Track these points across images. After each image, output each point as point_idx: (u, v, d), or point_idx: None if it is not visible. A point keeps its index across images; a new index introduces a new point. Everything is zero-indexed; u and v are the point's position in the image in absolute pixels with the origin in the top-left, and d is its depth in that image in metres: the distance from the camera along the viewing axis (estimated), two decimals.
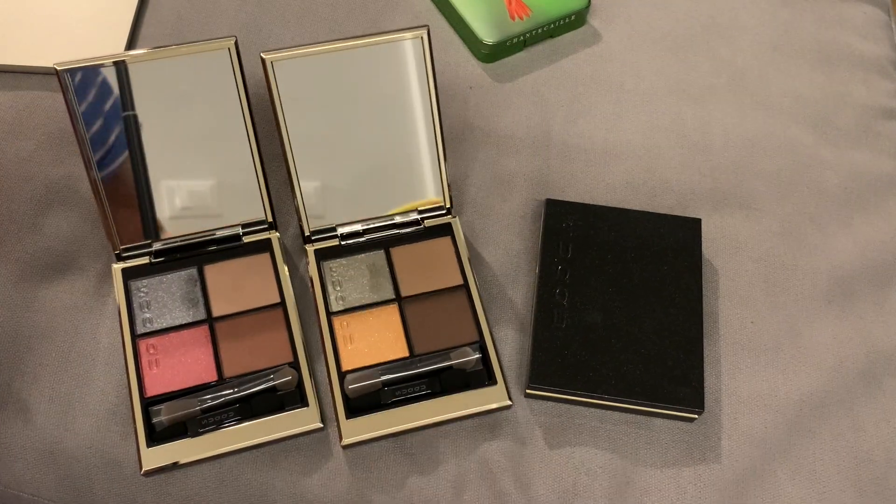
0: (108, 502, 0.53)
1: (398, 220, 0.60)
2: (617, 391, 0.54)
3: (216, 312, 0.57)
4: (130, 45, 0.69)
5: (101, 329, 0.57)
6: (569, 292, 0.58)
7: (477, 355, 0.56)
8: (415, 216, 0.61)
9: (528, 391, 0.56)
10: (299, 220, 0.59)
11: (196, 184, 0.57)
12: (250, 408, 0.53)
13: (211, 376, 0.55)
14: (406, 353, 0.56)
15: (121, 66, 0.53)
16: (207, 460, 0.53)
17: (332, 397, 0.54)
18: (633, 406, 0.55)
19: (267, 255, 0.59)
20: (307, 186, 0.58)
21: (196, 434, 0.52)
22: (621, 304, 0.57)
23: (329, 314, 0.57)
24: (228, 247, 0.59)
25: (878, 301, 0.62)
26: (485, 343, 0.57)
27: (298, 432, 0.54)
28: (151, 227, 0.57)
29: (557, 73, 0.71)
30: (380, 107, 0.58)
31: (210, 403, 0.53)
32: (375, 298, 0.58)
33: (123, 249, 0.58)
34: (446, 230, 0.61)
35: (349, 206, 0.60)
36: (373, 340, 0.57)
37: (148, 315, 0.56)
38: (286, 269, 0.59)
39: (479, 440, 0.55)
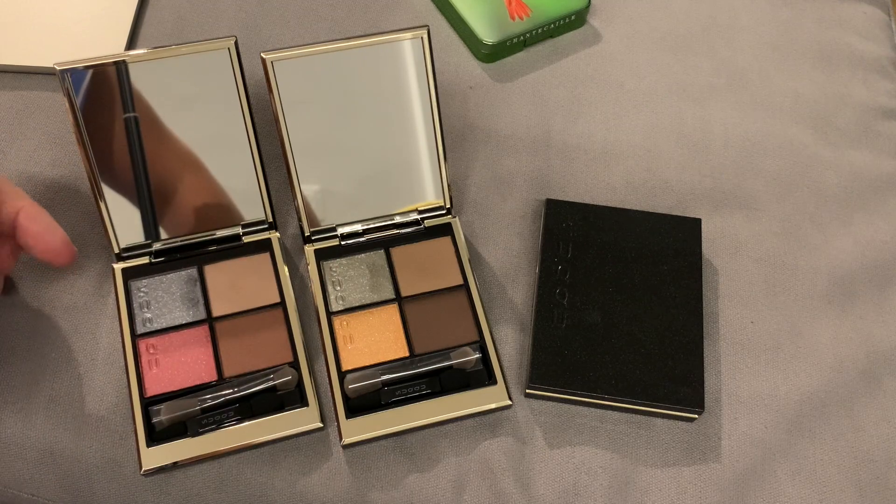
0: (108, 502, 0.53)
1: (398, 220, 0.60)
2: (617, 391, 0.54)
3: (216, 312, 0.57)
4: (130, 45, 0.69)
5: (101, 329, 0.57)
6: (569, 292, 0.58)
7: (477, 355, 0.56)
8: (415, 216, 0.61)
9: (528, 391, 0.56)
10: (299, 219, 0.59)
11: (196, 183, 0.57)
12: (250, 408, 0.53)
13: (211, 376, 0.55)
14: (406, 353, 0.56)
15: (121, 66, 0.53)
16: (207, 460, 0.53)
17: (332, 397, 0.54)
18: (633, 406, 0.55)
19: (267, 255, 0.59)
20: (307, 186, 0.58)
21: (196, 434, 0.52)
22: (621, 304, 0.57)
23: (329, 314, 0.57)
24: (228, 247, 0.59)
25: (878, 301, 0.62)
26: (485, 343, 0.57)
27: (298, 432, 0.54)
28: (151, 227, 0.57)
29: (557, 73, 0.71)
30: (380, 107, 0.58)
31: (210, 403, 0.53)
32: (375, 298, 0.58)
33: (123, 249, 0.58)
34: (446, 230, 0.61)
35: (349, 206, 0.60)
36: (373, 340, 0.57)
37: (148, 315, 0.56)
38: (286, 269, 0.59)
39: (479, 440, 0.55)
